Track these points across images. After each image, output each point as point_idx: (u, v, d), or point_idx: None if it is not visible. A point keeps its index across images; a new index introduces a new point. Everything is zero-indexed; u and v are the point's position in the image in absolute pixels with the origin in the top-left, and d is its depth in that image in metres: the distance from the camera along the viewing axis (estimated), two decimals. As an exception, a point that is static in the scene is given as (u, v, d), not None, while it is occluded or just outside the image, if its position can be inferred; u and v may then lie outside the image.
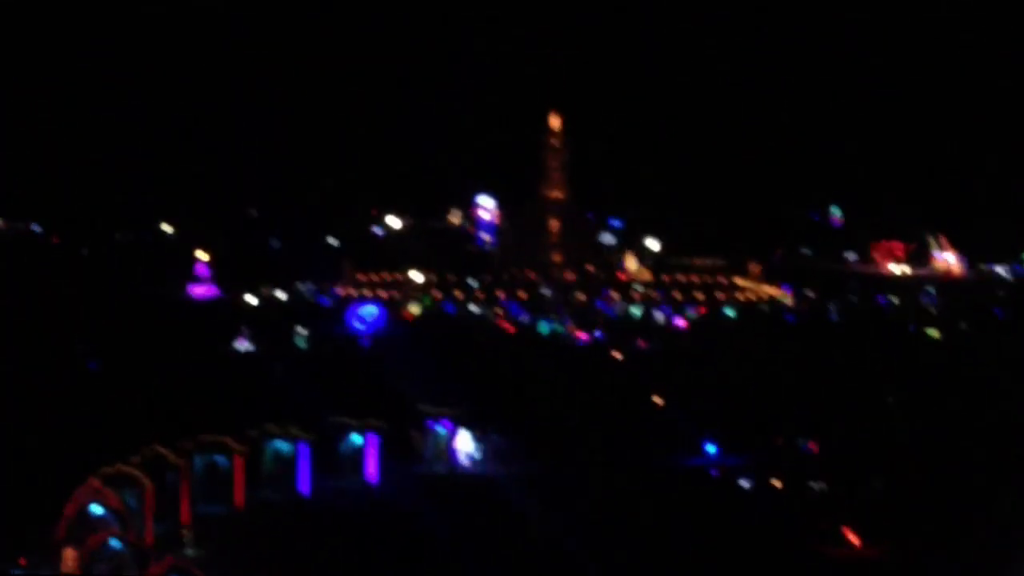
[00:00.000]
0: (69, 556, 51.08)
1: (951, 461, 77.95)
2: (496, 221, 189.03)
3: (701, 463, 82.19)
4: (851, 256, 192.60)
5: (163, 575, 44.87)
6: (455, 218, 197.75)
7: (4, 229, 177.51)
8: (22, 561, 52.83)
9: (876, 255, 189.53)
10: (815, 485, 74.67)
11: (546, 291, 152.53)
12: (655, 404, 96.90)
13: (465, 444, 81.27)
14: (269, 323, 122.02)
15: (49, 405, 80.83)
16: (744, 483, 75.36)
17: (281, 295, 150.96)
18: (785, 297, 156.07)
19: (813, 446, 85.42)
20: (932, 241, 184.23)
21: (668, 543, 62.62)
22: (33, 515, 55.24)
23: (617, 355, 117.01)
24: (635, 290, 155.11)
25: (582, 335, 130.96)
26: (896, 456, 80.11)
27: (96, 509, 55.12)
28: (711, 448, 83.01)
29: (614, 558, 59.85)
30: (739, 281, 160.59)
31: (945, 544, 61.76)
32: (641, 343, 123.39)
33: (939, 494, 70.86)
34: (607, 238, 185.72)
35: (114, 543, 50.79)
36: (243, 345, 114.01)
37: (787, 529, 66.57)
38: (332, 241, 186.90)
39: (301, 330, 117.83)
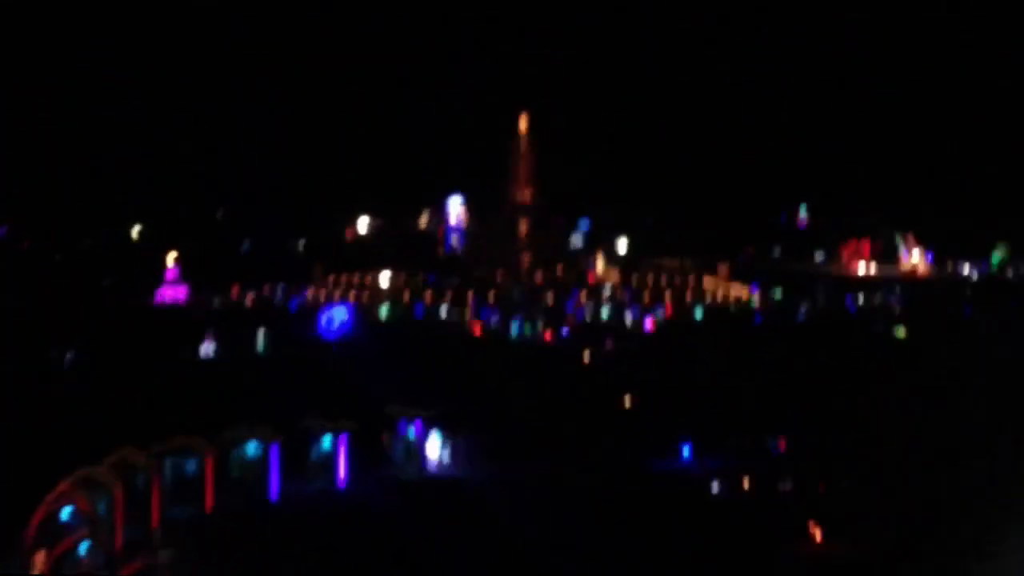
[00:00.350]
0: (39, 560, 51.28)
1: (917, 459, 78.77)
2: (465, 223, 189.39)
3: (673, 465, 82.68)
4: (819, 256, 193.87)
5: (133, 578, 45.17)
6: (424, 220, 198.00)
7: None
8: (-9, 565, 53.01)
9: (843, 255, 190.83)
10: (782, 484, 75.38)
11: (515, 293, 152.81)
12: (625, 406, 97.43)
13: (436, 447, 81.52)
14: (235, 326, 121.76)
15: (18, 409, 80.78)
16: (714, 483, 75.92)
17: (248, 297, 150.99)
18: (752, 297, 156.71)
19: (781, 445, 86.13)
20: (899, 240, 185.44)
21: (639, 543, 63.21)
22: (2, 519, 55.36)
23: (586, 356, 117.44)
24: (604, 292, 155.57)
25: (551, 336, 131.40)
26: (862, 454, 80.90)
27: (66, 513, 55.30)
28: (684, 450, 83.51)
29: (586, 560, 60.34)
30: (707, 282, 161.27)
31: (908, 541, 62.57)
32: (609, 344, 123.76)
33: (904, 492, 71.64)
34: (576, 240, 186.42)
35: (84, 547, 51.02)
36: (207, 348, 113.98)
37: (754, 527, 67.27)
38: (301, 243, 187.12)
39: (262, 333, 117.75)
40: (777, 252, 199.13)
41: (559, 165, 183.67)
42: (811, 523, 66.41)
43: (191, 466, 68.19)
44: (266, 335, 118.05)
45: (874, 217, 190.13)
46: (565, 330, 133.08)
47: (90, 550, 49.91)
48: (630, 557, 60.92)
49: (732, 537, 65.40)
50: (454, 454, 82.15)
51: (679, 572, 59.57)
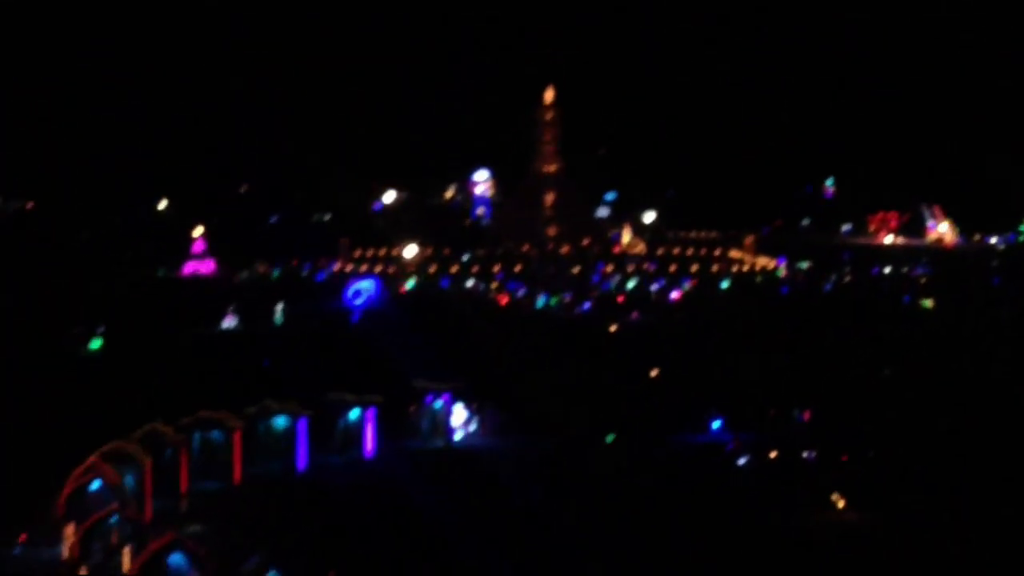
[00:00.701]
0: (69, 532, 51.75)
1: (942, 429, 78.81)
2: (492, 195, 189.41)
3: (700, 436, 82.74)
4: (846, 227, 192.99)
5: (162, 550, 45.56)
6: (451, 193, 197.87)
7: (1, 207, 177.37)
8: (22, 538, 53.51)
9: (870, 226, 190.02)
10: (807, 454, 75.47)
11: (542, 265, 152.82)
12: (651, 377, 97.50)
13: (461, 418, 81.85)
14: (260, 300, 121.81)
15: (49, 385, 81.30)
16: (741, 456, 76.01)
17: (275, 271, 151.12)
18: (779, 268, 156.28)
19: (806, 416, 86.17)
20: (926, 212, 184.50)
21: (664, 515, 63.39)
22: (34, 493, 55.89)
23: (612, 328, 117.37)
24: (630, 263, 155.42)
25: (577, 308, 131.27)
26: (887, 425, 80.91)
27: (95, 486, 55.76)
28: (710, 422, 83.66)
29: (610, 531, 60.53)
30: (733, 253, 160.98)
31: (930, 511, 62.76)
32: (635, 315, 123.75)
33: (928, 463, 71.74)
34: (602, 211, 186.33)
35: (113, 520, 51.46)
36: (233, 322, 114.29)
37: (778, 497, 67.47)
38: (328, 217, 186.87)
39: (280, 307, 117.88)
40: (804, 224, 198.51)
41: (585, 137, 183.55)
42: (834, 493, 66.67)
43: (219, 439, 68.72)
44: (293, 309, 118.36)
45: (901, 189, 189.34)
46: (588, 303, 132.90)
47: (119, 523, 50.32)
48: (657, 527, 61.16)
49: (757, 506, 65.65)
50: (480, 425, 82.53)
51: (705, 541, 59.78)
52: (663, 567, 57.13)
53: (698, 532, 60.87)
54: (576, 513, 63.07)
